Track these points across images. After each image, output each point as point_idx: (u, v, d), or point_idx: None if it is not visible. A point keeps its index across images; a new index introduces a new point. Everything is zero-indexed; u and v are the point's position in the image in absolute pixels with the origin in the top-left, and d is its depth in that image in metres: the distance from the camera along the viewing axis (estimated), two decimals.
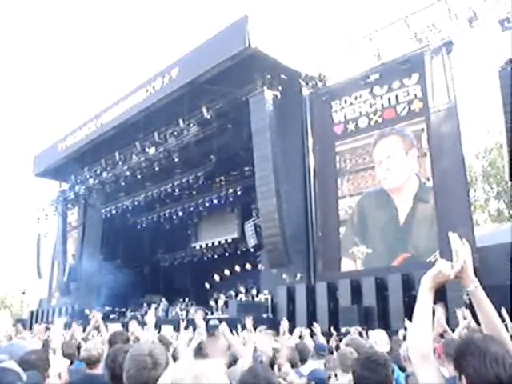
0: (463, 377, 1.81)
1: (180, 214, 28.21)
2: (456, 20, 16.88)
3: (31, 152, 32.89)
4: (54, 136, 30.42)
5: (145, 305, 25.93)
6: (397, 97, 18.35)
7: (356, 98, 19.44)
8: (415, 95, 17.89)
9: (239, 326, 9.44)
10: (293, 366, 4.50)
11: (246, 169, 24.27)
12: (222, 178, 26.62)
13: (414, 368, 2.07)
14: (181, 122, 22.28)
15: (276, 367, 4.34)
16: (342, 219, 19.09)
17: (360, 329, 10.63)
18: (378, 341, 5.99)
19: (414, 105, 17.87)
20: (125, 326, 11.90)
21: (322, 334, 12.08)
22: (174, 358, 4.18)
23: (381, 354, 2.51)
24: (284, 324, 7.68)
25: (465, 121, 16.36)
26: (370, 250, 17.88)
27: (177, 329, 10.13)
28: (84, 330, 8.29)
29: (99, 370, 4.05)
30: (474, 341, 1.84)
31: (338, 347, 7.29)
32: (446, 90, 16.94)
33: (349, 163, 19.33)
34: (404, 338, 7.67)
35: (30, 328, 25.45)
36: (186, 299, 25.11)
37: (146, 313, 24.77)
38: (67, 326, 11.28)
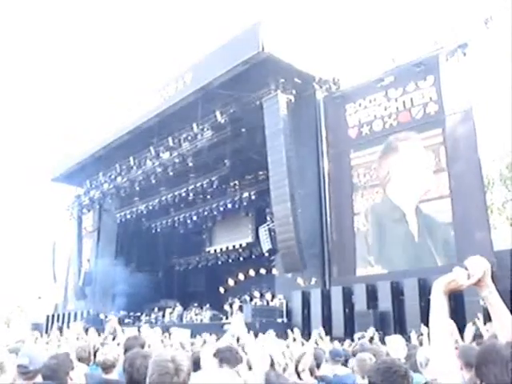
0: None
1: (194, 218, 28.23)
2: (471, 21, 16.73)
3: (47, 157, 33.13)
4: (69, 141, 30.66)
5: (156, 309, 26.01)
6: (412, 100, 18.19)
7: (370, 101, 19.32)
8: (430, 98, 17.72)
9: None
10: (310, 372, 4.45)
11: (261, 173, 24.24)
12: (236, 182, 26.61)
13: (436, 377, 2.01)
14: (195, 126, 22.33)
15: (288, 373, 4.27)
16: (356, 229, 18.98)
17: (373, 333, 10.53)
18: (394, 346, 5.91)
19: (429, 107, 17.71)
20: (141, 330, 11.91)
21: (338, 339, 12.01)
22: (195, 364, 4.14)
23: (401, 364, 2.44)
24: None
25: (481, 123, 16.15)
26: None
27: (193, 334, 10.11)
28: (99, 335, 8.32)
29: (115, 374, 4.03)
30: (496, 348, 1.79)
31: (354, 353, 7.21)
32: (462, 92, 16.77)
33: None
34: (420, 344, 7.57)
35: (46, 332, 25.64)
36: (201, 304, 25.08)
37: (156, 318, 24.82)
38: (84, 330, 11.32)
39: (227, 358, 3.80)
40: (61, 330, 23.32)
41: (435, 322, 2.04)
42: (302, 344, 7.37)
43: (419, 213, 17.17)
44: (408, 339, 8.68)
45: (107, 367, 4.01)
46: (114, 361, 4.04)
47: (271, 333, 7.82)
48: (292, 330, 9.16)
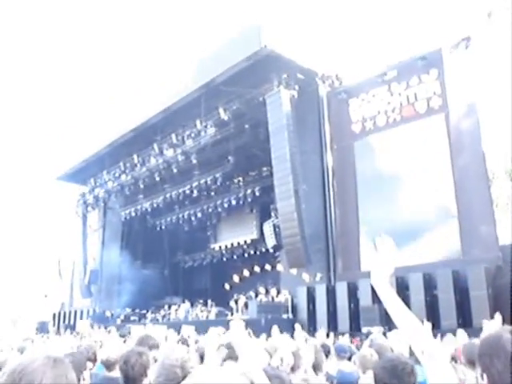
0: (485, 376, 1.75)
1: (199, 215, 28.27)
2: (474, 14, 16.63)
3: (51, 156, 33.18)
4: (73, 140, 30.68)
5: (166, 307, 26.05)
6: (415, 94, 18.10)
7: (374, 96, 19.24)
8: (434, 92, 17.62)
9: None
10: (316, 368, 4.43)
11: (264, 169, 24.24)
12: (240, 178, 26.63)
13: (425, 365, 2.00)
14: (198, 123, 22.33)
15: (300, 370, 4.24)
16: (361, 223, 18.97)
17: (382, 329, 10.51)
18: (398, 342, 5.88)
19: (432, 101, 17.62)
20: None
21: (343, 334, 11.99)
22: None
23: (407, 361, 2.44)
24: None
25: (485, 116, 16.06)
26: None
27: (198, 330, 10.11)
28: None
29: (117, 372, 4.03)
30: (501, 342, 1.77)
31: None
32: (466, 86, 16.68)
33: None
34: None
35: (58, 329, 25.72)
36: (206, 301, 25.12)
37: (163, 316, 24.89)
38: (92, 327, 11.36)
39: None
40: (67, 328, 23.45)
41: (402, 315, 2.03)
42: (306, 340, 7.34)
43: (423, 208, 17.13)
44: None
45: (110, 365, 4.01)
46: (117, 358, 4.03)
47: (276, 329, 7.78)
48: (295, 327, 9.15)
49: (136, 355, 2.96)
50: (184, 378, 2.23)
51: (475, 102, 16.45)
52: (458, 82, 16.91)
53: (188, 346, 5.46)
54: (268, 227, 22.56)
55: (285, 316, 18.62)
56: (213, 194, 26.96)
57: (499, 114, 15.48)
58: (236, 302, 22.09)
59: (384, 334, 9.63)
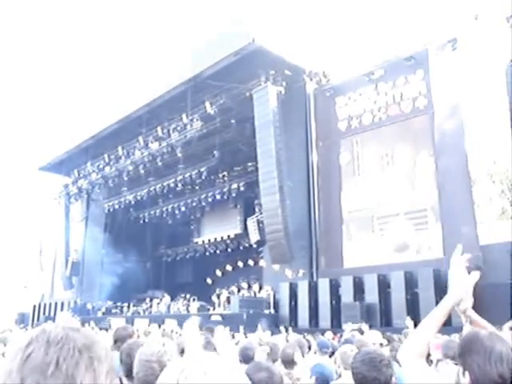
0: (467, 373, 1.79)
1: (183, 209, 28.17)
2: (461, 16, 16.75)
3: (34, 146, 32.85)
4: (57, 130, 30.39)
5: (147, 300, 25.96)
6: (401, 93, 18.25)
7: (360, 95, 19.35)
8: (420, 92, 17.79)
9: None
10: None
11: (250, 164, 24.23)
12: (225, 173, 26.61)
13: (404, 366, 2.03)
14: (184, 117, 22.25)
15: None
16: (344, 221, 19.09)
17: (361, 325, 10.59)
18: (372, 340, 5.94)
19: (418, 101, 17.77)
20: (129, 320, 11.92)
21: (325, 331, 12.05)
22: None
23: (384, 353, 2.48)
24: None
25: (469, 118, 16.22)
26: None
27: (180, 324, 10.13)
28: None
29: None
30: (480, 338, 1.81)
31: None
32: (451, 87, 16.82)
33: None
34: (405, 337, 7.64)
35: (33, 322, 25.49)
36: (188, 295, 25.09)
37: (144, 309, 24.82)
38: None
39: None
40: (47, 319, 23.26)
41: (433, 319, 2.05)
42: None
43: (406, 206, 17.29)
44: (397, 331, 8.78)
45: None
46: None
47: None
48: (278, 322, 9.21)
49: (138, 347, 2.93)
50: (162, 371, 2.24)
51: (459, 103, 16.60)
52: (443, 82, 17.05)
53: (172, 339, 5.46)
54: (252, 222, 22.53)
55: (267, 311, 18.68)
56: (197, 188, 26.88)
57: (482, 116, 15.64)
58: (218, 296, 22.08)
59: (360, 330, 9.72)
